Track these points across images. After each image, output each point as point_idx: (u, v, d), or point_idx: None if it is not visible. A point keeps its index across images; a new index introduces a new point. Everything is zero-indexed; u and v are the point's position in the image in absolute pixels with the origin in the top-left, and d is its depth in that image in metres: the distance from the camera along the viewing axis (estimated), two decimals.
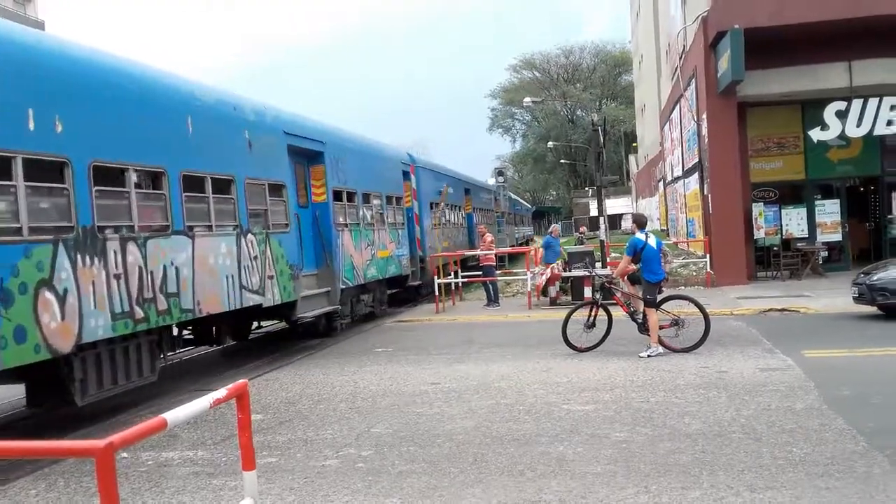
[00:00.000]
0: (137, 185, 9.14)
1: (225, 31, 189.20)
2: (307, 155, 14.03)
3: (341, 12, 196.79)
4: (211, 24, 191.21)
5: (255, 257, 11.49)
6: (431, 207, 22.86)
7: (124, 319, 8.57)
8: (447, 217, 25.71)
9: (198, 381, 10.82)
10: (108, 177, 8.65)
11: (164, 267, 9.35)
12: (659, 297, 10.69)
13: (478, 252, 20.32)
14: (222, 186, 10.93)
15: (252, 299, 11.30)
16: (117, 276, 8.49)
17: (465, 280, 20.08)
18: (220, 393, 3.73)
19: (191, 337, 11.88)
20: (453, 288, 19.70)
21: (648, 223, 11.44)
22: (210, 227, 10.48)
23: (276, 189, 12.43)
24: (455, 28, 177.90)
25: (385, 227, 17.75)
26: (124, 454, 6.98)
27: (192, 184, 10.15)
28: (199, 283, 10.01)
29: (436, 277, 18.48)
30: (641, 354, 10.42)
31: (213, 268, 10.38)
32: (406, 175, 20.25)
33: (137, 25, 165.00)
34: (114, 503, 2.89)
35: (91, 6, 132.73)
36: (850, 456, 5.83)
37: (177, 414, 3.37)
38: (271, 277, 11.88)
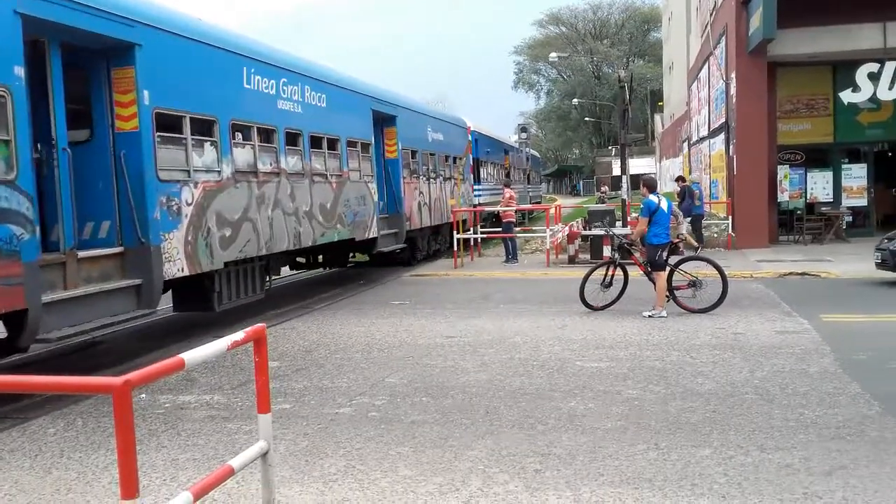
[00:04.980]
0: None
1: None
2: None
3: None
4: None
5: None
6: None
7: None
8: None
9: (215, 324, 10.94)
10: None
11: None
12: (672, 260, 10.69)
13: (498, 208, 20.24)
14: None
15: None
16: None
17: (484, 236, 20.02)
18: (238, 336, 3.77)
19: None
20: (472, 243, 19.70)
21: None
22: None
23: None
24: None
25: None
26: (143, 395, 7.12)
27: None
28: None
29: (455, 232, 18.43)
30: (644, 313, 10.47)
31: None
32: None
33: None
34: (130, 440, 2.92)
35: None
36: (863, 420, 5.82)
37: (194, 354, 3.41)
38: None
